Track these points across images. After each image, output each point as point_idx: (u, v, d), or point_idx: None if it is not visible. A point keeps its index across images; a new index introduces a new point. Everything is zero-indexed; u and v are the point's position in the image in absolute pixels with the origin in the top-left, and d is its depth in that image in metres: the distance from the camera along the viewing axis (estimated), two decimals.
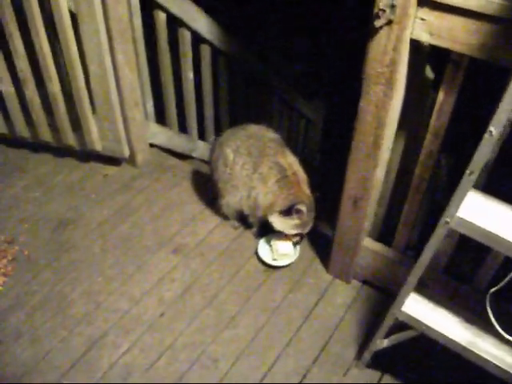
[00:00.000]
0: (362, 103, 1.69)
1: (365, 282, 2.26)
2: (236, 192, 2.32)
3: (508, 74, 1.12)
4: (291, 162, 2.24)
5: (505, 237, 1.32)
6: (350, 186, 1.95)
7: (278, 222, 2.24)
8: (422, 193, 1.89)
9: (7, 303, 2.19)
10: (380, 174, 1.90)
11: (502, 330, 1.48)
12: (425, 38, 1.49)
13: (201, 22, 2.69)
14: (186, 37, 2.71)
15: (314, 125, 4.19)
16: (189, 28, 2.67)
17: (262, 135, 2.30)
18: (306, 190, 2.23)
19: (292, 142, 3.91)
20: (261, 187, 2.24)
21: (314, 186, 2.30)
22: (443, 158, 2.38)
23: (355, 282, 2.28)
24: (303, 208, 2.15)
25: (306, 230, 2.26)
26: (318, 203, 2.27)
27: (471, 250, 1.89)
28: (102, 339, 2.07)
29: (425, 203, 2.07)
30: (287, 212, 2.18)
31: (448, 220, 1.38)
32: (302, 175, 2.25)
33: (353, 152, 1.84)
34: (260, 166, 2.22)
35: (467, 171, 1.29)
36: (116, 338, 2.07)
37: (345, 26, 4.05)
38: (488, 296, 1.46)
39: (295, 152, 2.34)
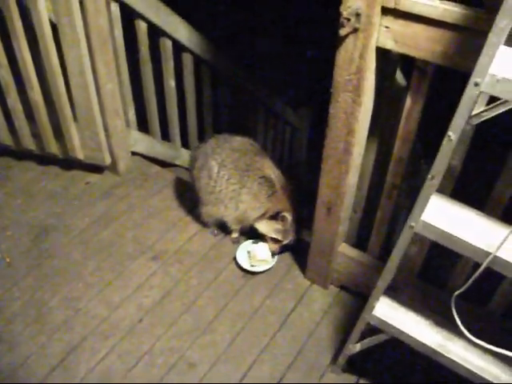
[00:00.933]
0: (332, 110, 1.72)
1: (342, 288, 2.28)
2: (220, 204, 2.33)
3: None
4: (278, 174, 2.28)
5: (468, 240, 1.34)
6: (324, 193, 1.97)
7: (262, 224, 2.28)
8: (394, 199, 1.91)
9: None
10: (352, 180, 1.92)
11: (472, 332, 1.48)
12: (390, 45, 1.52)
13: (182, 32, 2.72)
14: (167, 45, 2.74)
15: (299, 133, 4.22)
16: (170, 37, 2.70)
17: (247, 149, 2.32)
18: (293, 203, 2.27)
19: (277, 151, 3.94)
20: (251, 202, 2.27)
21: (300, 201, 2.33)
22: (424, 164, 2.40)
23: (332, 288, 2.30)
24: (289, 216, 2.19)
25: (286, 240, 2.29)
26: (303, 220, 2.32)
27: (447, 253, 1.92)
28: (80, 345, 2.08)
29: (404, 208, 2.11)
30: (272, 217, 2.23)
31: (413, 224, 1.41)
32: (289, 188, 2.29)
33: (325, 159, 1.86)
34: (248, 181, 2.25)
35: (429, 176, 1.32)
36: (94, 343, 2.08)
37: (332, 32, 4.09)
38: (453, 299, 1.47)
39: (281, 161, 2.37)
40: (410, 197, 1.99)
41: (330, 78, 1.65)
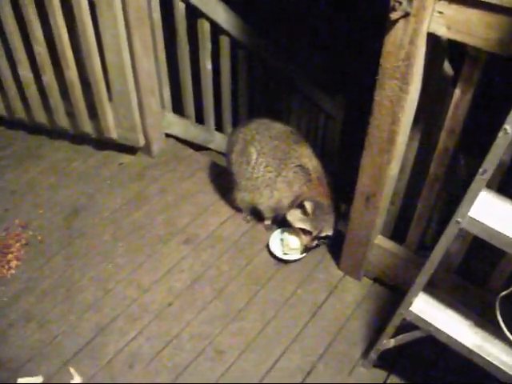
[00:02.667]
0: (377, 98, 1.66)
1: (375, 280, 2.24)
2: (256, 191, 2.32)
3: None
4: (315, 164, 2.25)
5: None
6: (363, 183, 1.92)
7: (289, 214, 2.25)
8: (436, 191, 1.86)
9: (18, 287, 2.22)
10: (394, 170, 1.86)
11: None
12: (442, 31, 1.45)
13: (220, 13, 2.68)
14: (205, 27, 2.70)
15: (334, 121, 4.14)
16: (208, 18, 2.66)
17: (287, 137, 2.29)
18: (328, 194, 2.23)
19: (310, 138, 3.87)
20: (285, 190, 2.25)
21: (339, 194, 2.29)
22: (462, 158, 2.34)
23: (366, 280, 2.25)
24: (307, 204, 2.14)
25: (316, 230, 2.22)
26: (342, 214, 2.28)
27: (486, 250, 1.85)
28: (109, 326, 2.08)
29: (441, 202, 2.06)
30: (298, 206, 2.20)
31: (459, 220, 1.35)
32: (326, 179, 2.25)
33: (367, 148, 1.81)
34: (284, 169, 2.23)
35: (480, 170, 1.26)
36: (123, 325, 2.08)
37: (368, 17, 3.99)
38: (498, 299, 1.43)
39: (315, 148, 2.33)
40: (446, 191, 1.96)
41: (366, 66, 1.58)
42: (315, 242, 2.27)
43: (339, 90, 4.11)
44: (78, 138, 2.93)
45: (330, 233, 2.24)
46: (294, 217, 2.23)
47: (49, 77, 2.60)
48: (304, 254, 2.32)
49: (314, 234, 2.23)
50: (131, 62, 2.44)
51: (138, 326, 2.08)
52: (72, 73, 2.52)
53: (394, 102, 1.62)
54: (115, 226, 2.49)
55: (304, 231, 2.24)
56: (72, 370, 1.93)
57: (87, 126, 2.74)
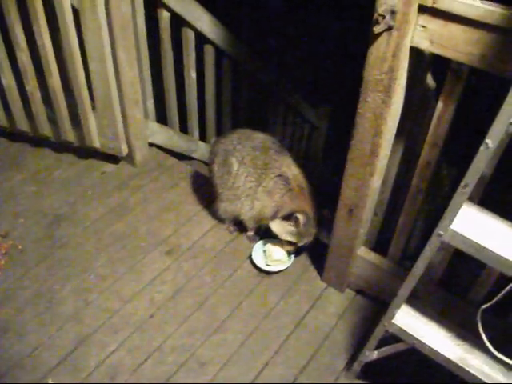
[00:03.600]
0: (360, 110, 1.66)
1: (359, 292, 2.23)
2: (237, 201, 2.31)
3: (509, 85, 1.09)
4: (296, 173, 2.24)
5: (498, 252, 1.29)
6: (346, 195, 1.91)
7: (275, 225, 2.24)
8: (419, 203, 1.86)
9: None
10: (376, 182, 1.87)
11: (494, 347, 1.46)
12: (425, 45, 1.46)
13: (205, 23, 2.67)
14: (189, 36, 2.70)
15: (318, 131, 4.15)
16: (193, 27, 2.65)
17: (268, 147, 2.28)
18: (310, 203, 2.22)
19: (294, 148, 3.88)
20: (266, 200, 2.24)
21: (321, 201, 2.28)
22: (445, 169, 2.35)
23: (349, 291, 2.25)
24: (300, 217, 2.14)
25: (301, 242, 2.23)
26: (324, 220, 2.27)
27: (468, 262, 1.87)
28: (90, 338, 2.05)
29: (424, 213, 2.08)
30: (286, 218, 2.18)
31: (441, 232, 1.36)
32: (307, 188, 2.24)
33: (350, 160, 1.81)
34: (265, 179, 2.22)
35: (461, 183, 1.27)
36: (104, 337, 2.05)
37: (353, 28, 4.01)
38: (479, 312, 1.43)
39: (298, 158, 2.34)
40: (428, 202, 1.96)
41: (351, 77, 1.58)
42: (297, 249, 2.30)
43: (324, 100, 4.13)
44: (61, 146, 2.90)
45: (308, 242, 2.26)
46: (282, 228, 2.23)
47: (31, 84, 2.57)
48: (287, 266, 2.31)
49: (299, 245, 2.24)
50: (115, 70, 2.42)
51: (119, 337, 2.05)
52: (55, 80, 2.49)
53: (377, 114, 1.62)
54: (97, 236, 2.46)
55: (289, 242, 2.25)
56: (51, 383, 1.90)
57: (70, 135, 2.71)
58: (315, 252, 2.36)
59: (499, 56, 1.34)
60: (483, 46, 1.35)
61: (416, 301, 1.68)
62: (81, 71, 2.42)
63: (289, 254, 2.32)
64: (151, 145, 2.93)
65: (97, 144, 2.71)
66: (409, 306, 1.67)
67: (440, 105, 1.58)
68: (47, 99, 2.62)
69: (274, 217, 2.23)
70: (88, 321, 2.11)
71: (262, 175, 2.23)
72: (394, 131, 1.74)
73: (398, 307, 1.62)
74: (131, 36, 2.41)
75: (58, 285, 2.23)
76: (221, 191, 2.37)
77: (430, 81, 1.72)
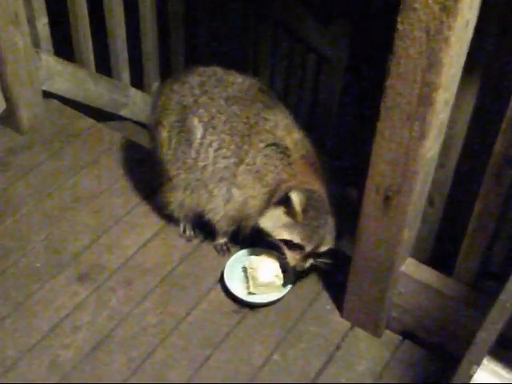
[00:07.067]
0: (402, 27, 1.23)
1: (406, 336, 1.68)
2: (201, 189, 1.80)
3: None
4: (298, 138, 1.74)
5: None
6: (379, 172, 1.44)
7: (266, 218, 1.67)
8: (506, 184, 1.39)
9: None
10: (431, 150, 1.40)
11: None
12: None
13: None
14: None
15: (330, 66, 3.18)
16: None
17: (253, 97, 1.78)
18: (322, 181, 1.70)
19: (292, 97, 2.97)
20: (252, 186, 1.76)
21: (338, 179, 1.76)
22: None
23: (389, 334, 1.68)
24: (294, 197, 1.58)
25: (309, 244, 1.61)
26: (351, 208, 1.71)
27: None
28: None
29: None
30: (280, 202, 1.64)
31: None
32: (317, 160, 1.74)
33: (384, 113, 1.35)
34: (250, 151, 1.74)
35: None
36: None
37: None
38: None
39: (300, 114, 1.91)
40: None
41: None
42: (309, 263, 1.68)
43: (340, 14, 3.21)
44: None
45: (331, 245, 1.69)
46: (274, 221, 1.67)
47: None
48: (282, 294, 1.72)
49: (308, 248, 1.63)
50: None
51: None
52: None
53: (432, 31, 1.20)
54: None
55: (290, 244, 1.64)
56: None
57: None
58: (330, 270, 1.77)
59: None
60: None
61: (509, 352, 1.29)
62: None
63: (290, 279, 1.74)
64: (48, 95, 2.26)
65: None
66: (495, 360, 1.28)
67: None
68: None
69: (265, 209, 1.68)
70: None
71: (244, 145, 1.73)
72: (462, 62, 1.29)
73: (478, 363, 1.25)
74: None
75: None
76: (174, 173, 1.82)
77: None
